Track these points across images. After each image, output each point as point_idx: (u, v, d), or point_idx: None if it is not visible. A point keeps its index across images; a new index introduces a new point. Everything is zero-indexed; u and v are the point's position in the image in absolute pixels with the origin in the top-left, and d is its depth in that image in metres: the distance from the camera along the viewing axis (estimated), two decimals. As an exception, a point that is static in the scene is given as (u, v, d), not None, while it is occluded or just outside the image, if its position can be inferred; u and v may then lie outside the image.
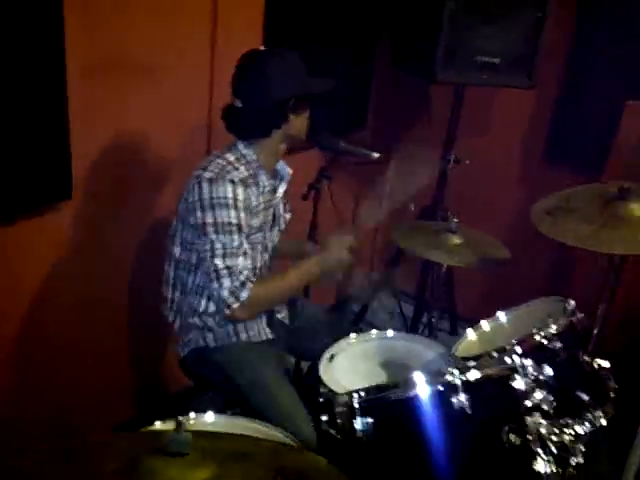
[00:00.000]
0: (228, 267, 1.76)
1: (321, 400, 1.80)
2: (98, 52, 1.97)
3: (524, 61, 2.68)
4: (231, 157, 1.85)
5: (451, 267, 3.04)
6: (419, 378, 1.27)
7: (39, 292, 2.07)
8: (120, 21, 2.00)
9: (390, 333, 2.12)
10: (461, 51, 2.61)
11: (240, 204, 1.77)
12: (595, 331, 1.93)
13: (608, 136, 2.80)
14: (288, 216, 2.15)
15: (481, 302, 3.29)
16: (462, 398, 1.24)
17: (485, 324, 1.81)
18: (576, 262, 2.96)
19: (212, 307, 1.91)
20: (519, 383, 1.40)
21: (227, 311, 1.78)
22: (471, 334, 1.78)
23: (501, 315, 1.81)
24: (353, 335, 2.10)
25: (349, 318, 3.36)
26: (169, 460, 1.12)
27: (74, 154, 1.95)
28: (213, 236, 1.76)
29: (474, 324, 3.30)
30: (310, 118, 1.92)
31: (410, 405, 1.28)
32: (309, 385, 1.96)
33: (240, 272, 1.76)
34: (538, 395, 1.42)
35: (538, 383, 1.46)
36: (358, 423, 1.29)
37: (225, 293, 1.75)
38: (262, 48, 1.88)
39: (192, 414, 1.59)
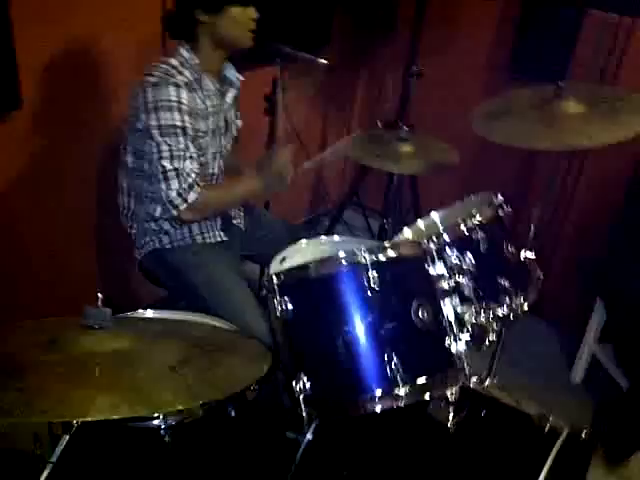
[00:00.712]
0: (175, 169, 1.79)
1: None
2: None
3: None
4: (175, 62, 1.86)
5: (415, 179, 3.08)
6: (335, 257, 1.33)
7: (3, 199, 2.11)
8: None
9: (336, 237, 2.17)
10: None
11: (184, 107, 1.79)
12: (531, 230, 1.98)
13: (571, 47, 2.79)
14: (239, 122, 2.17)
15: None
16: (372, 275, 1.30)
17: (420, 222, 1.85)
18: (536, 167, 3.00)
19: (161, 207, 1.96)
20: (436, 268, 1.45)
21: (174, 212, 1.82)
22: (407, 232, 1.83)
23: (434, 214, 1.85)
24: (304, 240, 2.16)
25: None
26: (88, 332, 1.19)
27: (21, 62, 1.96)
28: (159, 138, 1.78)
29: None
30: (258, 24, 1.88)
31: (324, 283, 1.34)
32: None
33: (188, 174, 1.80)
34: (457, 279, 1.48)
35: (459, 270, 1.52)
36: (277, 303, 1.35)
37: (173, 194, 1.80)
38: None
39: (140, 310, 1.68)
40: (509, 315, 1.56)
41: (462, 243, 1.57)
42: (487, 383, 2.15)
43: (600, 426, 2.42)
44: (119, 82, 2.28)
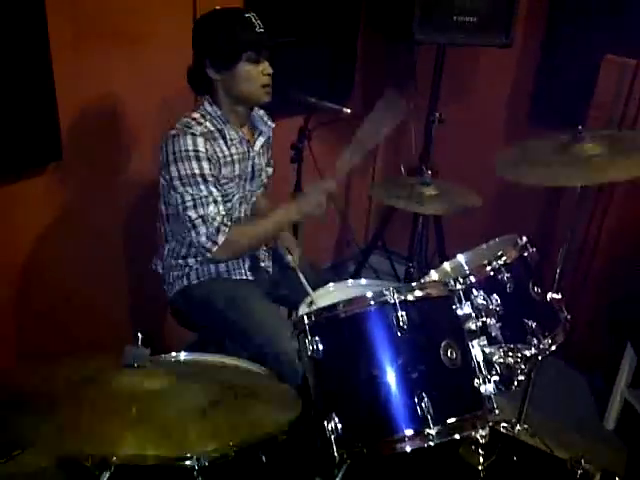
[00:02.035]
0: (201, 216, 1.85)
1: None
2: (80, 18, 2.06)
3: (501, 19, 2.70)
4: (196, 114, 1.93)
5: (440, 224, 3.11)
6: (364, 297, 1.35)
7: (33, 251, 2.18)
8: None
9: (363, 281, 2.20)
10: (438, 11, 2.65)
11: (202, 154, 1.84)
12: (557, 272, 1.99)
13: (588, 92, 2.83)
14: (270, 170, 2.23)
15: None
16: (400, 315, 1.32)
17: (446, 265, 1.87)
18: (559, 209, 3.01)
19: (193, 250, 2.02)
20: (464, 308, 1.47)
21: (208, 255, 1.88)
22: (434, 274, 1.85)
23: (460, 257, 1.87)
24: (331, 284, 2.19)
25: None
26: (126, 371, 1.22)
27: (62, 117, 2.06)
28: (181, 189, 1.85)
29: None
30: (274, 78, 1.93)
31: (354, 323, 1.35)
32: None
33: (213, 219, 1.85)
34: (485, 320, 1.49)
35: (486, 311, 1.53)
36: (309, 342, 1.37)
37: (203, 239, 1.86)
38: (217, 7, 1.91)
39: (172, 353, 1.70)
40: (537, 355, 1.56)
41: (488, 284, 1.58)
42: (518, 429, 2.15)
43: (634, 472, 2.36)
44: (153, 133, 2.36)
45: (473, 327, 1.47)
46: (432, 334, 1.36)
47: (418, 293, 1.36)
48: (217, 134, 1.94)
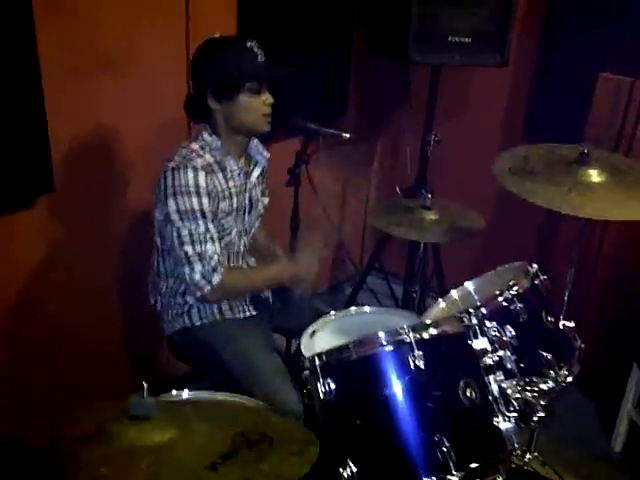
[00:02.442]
0: (198, 253, 1.79)
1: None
2: (71, 48, 2.01)
3: (495, 39, 2.67)
4: (195, 146, 1.87)
5: (437, 242, 3.06)
6: (376, 337, 1.30)
7: (27, 285, 2.11)
8: (91, 17, 2.03)
9: (367, 309, 2.15)
10: (433, 32, 2.61)
11: (202, 190, 1.79)
12: (565, 295, 1.95)
13: (584, 110, 2.81)
14: (266, 200, 2.17)
15: (470, 273, 3.31)
16: (417, 355, 1.26)
17: (454, 293, 1.83)
18: (558, 230, 2.98)
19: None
20: (479, 343, 1.42)
21: (198, 293, 1.82)
22: (441, 303, 1.80)
23: (468, 284, 1.82)
24: (332, 312, 2.14)
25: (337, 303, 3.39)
26: (132, 424, 1.16)
27: (53, 148, 1.99)
28: (179, 223, 1.78)
29: None
30: (274, 107, 1.88)
31: (367, 364, 1.30)
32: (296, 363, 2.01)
33: (210, 257, 1.80)
34: (500, 354, 1.44)
35: (500, 343, 1.49)
36: (320, 385, 1.31)
37: (197, 277, 1.79)
38: (217, 36, 1.89)
39: (173, 391, 1.64)
40: (554, 389, 1.51)
41: (501, 315, 1.54)
42: (528, 457, 2.09)
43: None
44: (147, 161, 2.31)
45: (490, 362, 1.42)
46: (450, 373, 1.31)
47: (433, 331, 1.31)
48: (216, 167, 1.88)
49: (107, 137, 2.21)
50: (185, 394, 1.58)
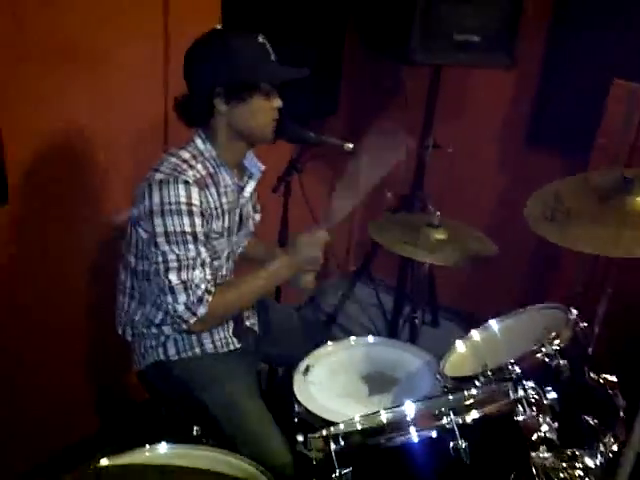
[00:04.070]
0: (184, 282, 1.50)
1: (296, 420, 1.60)
2: (28, 33, 1.66)
3: (504, 39, 2.41)
4: (186, 154, 1.57)
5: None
6: (407, 421, 1.02)
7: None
8: (54, 3, 1.69)
9: (370, 339, 1.89)
10: (438, 30, 2.33)
11: (195, 209, 1.50)
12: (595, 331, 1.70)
13: (593, 117, 2.57)
14: (258, 217, 1.87)
15: (462, 290, 3.08)
16: (460, 444, 0.99)
17: (476, 334, 1.56)
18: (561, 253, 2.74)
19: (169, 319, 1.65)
20: (523, 415, 1.15)
21: (183, 326, 1.54)
22: (460, 346, 1.53)
23: (493, 324, 1.56)
24: (330, 343, 1.86)
25: (323, 313, 3.11)
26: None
27: (8, 153, 1.66)
28: (165, 247, 1.49)
29: (456, 315, 3.16)
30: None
31: (397, 454, 1.02)
32: (283, 396, 1.73)
33: (197, 286, 1.50)
34: (543, 427, 1.18)
35: (541, 409, 1.22)
36: (336, 473, 1.03)
37: (180, 308, 1.51)
38: (218, 27, 1.59)
39: (146, 446, 1.37)
40: (602, 465, 1.26)
41: (540, 373, 1.28)
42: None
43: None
44: (116, 172, 1.98)
45: (535, 437, 1.16)
46: (499, 464, 1.04)
47: (476, 414, 1.03)
48: (209, 180, 1.58)
49: (73, 140, 1.87)
50: (164, 448, 1.35)
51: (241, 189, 1.70)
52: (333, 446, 1.04)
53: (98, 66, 1.84)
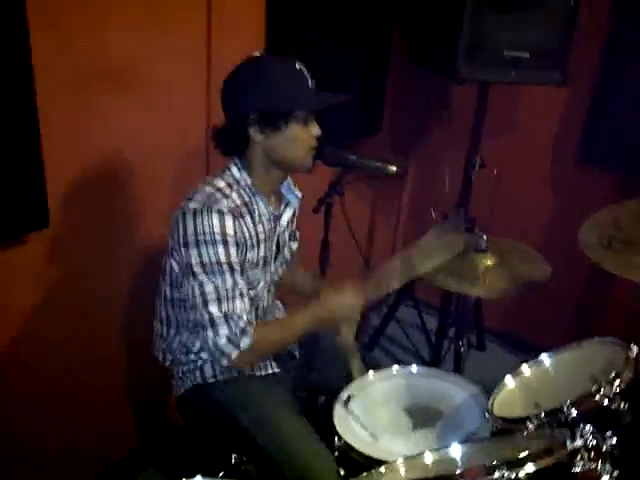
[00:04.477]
0: (225, 314, 1.45)
1: (336, 454, 1.53)
2: (72, 61, 1.65)
3: (556, 55, 2.29)
4: (221, 183, 1.53)
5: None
6: (455, 475, 0.94)
7: (22, 327, 1.78)
8: (96, 23, 1.68)
9: (414, 369, 1.80)
10: (486, 45, 2.24)
11: (230, 239, 1.46)
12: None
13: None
14: (295, 245, 1.82)
15: (509, 313, 2.96)
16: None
17: (526, 369, 1.46)
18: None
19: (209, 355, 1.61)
20: (581, 466, 1.06)
21: (224, 361, 1.49)
22: (510, 382, 1.44)
23: (545, 358, 1.46)
24: (371, 372, 1.79)
25: (365, 336, 3.03)
26: None
27: (49, 179, 1.65)
28: (202, 277, 1.45)
29: (502, 338, 3.04)
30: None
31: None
32: (323, 427, 1.66)
33: (239, 317, 1.46)
34: (604, 478, 1.08)
35: (600, 456, 1.13)
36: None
37: (222, 341, 1.46)
38: (257, 54, 1.55)
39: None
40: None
41: (599, 417, 1.18)
42: None
43: None
44: (155, 200, 1.96)
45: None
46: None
47: (531, 467, 0.95)
48: (244, 209, 1.54)
49: (112, 165, 1.85)
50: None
51: (278, 217, 1.66)
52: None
53: (137, 88, 1.82)
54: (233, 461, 1.86)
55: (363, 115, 2.70)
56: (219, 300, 1.45)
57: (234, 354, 1.46)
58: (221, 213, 1.45)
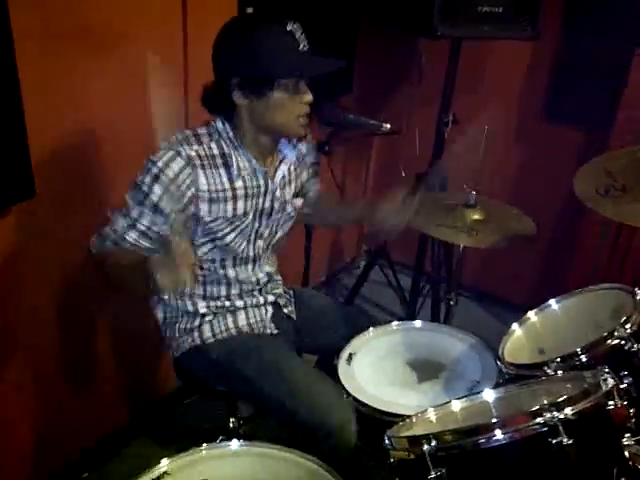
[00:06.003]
0: (114, 229, 1.48)
1: None
2: (49, 23, 1.54)
3: (527, 9, 2.32)
4: (202, 130, 1.51)
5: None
6: (501, 420, 0.96)
7: (8, 296, 1.70)
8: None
9: (418, 323, 1.82)
10: (460, 1, 2.24)
11: (164, 178, 1.42)
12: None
13: (614, 89, 2.51)
14: (299, 202, 1.75)
15: (483, 268, 3.02)
16: (565, 440, 0.93)
17: (533, 315, 1.50)
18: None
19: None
20: (612, 405, 1.10)
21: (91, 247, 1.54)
22: (517, 329, 1.47)
23: (552, 304, 1.50)
24: (371, 329, 1.79)
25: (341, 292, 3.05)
26: None
27: (32, 147, 1.55)
28: (128, 193, 1.47)
29: (478, 294, 3.11)
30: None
31: (494, 453, 0.97)
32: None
33: (115, 231, 1.48)
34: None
35: (625, 393, 1.18)
36: (432, 474, 0.98)
37: (96, 234, 1.52)
38: (249, 11, 1.48)
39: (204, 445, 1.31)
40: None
41: (614, 358, 1.23)
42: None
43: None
44: (140, 165, 1.89)
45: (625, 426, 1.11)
46: (599, 458, 0.99)
47: (578, 407, 0.98)
48: (220, 160, 1.49)
49: (95, 132, 1.76)
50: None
51: (269, 175, 1.60)
52: (426, 447, 0.98)
53: (116, 50, 1.72)
54: (231, 425, 1.86)
55: (334, 75, 2.65)
56: (123, 213, 1.47)
57: (92, 247, 1.52)
58: (178, 154, 1.43)
